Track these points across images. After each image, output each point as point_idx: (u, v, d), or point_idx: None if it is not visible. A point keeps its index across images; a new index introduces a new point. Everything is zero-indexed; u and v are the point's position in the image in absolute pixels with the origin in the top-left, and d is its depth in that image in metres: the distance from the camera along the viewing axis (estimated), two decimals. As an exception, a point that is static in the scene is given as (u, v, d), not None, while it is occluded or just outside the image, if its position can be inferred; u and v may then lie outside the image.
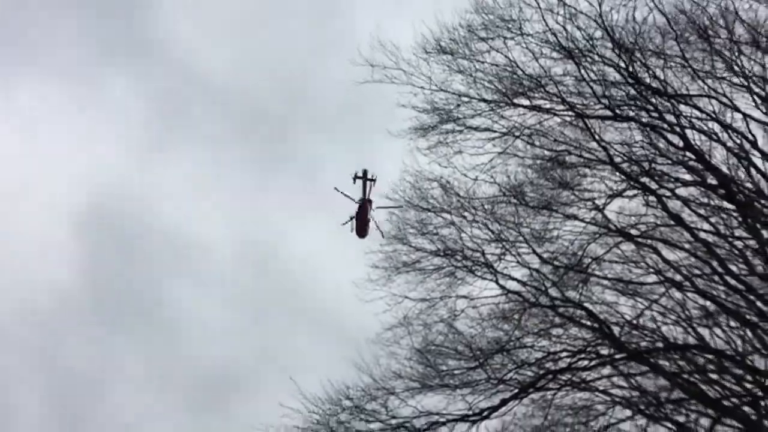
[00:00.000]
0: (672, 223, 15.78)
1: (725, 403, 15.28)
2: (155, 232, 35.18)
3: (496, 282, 18.07)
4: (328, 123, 31.66)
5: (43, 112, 35.43)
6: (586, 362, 16.34)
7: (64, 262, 35.44)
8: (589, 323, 16.82)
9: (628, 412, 17.36)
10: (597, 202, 16.75)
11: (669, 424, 16.34)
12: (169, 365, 34.30)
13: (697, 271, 15.91)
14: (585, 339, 16.95)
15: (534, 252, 17.50)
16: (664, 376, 15.88)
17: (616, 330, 16.43)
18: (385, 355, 17.77)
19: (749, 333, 15.44)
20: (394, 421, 16.26)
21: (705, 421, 15.76)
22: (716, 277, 15.69)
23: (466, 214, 18.09)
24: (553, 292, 17.26)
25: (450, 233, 18.59)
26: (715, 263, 15.49)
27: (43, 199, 34.71)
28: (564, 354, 16.85)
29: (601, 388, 16.97)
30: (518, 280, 17.82)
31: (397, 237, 18.99)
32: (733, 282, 15.45)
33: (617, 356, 16.27)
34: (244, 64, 35.69)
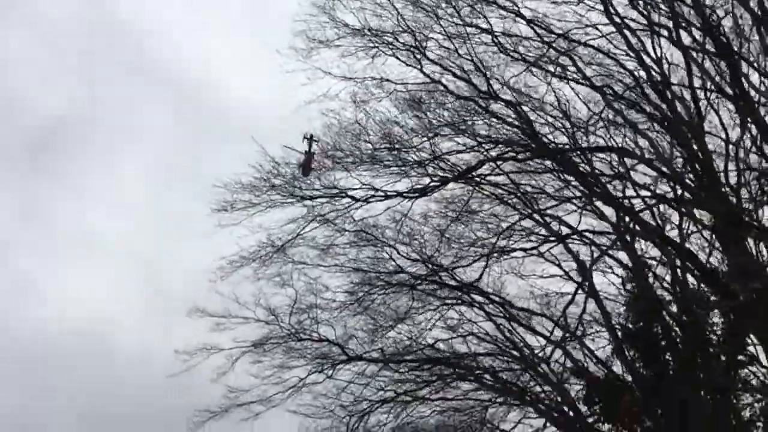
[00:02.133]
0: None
1: (625, 203, 16.94)
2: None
3: (421, 70, 17.89)
4: None
5: None
6: (508, 157, 17.02)
7: None
8: (513, 121, 17.35)
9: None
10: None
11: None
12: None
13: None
14: (506, 135, 17.54)
15: (468, 38, 17.30)
16: (577, 176, 17.08)
17: (538, 129, 17.17)
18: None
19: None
20: (334, 191, 16.23)
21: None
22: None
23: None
24: (479, 83, 17.48)
25: (381, 13, 17.83)
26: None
27: None
28: (486, 148, 17.41)
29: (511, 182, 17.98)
30: (444, 67, 17.74)
31: (325, 9, 17.96)
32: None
33: (535, 155, 17.10)
34: None
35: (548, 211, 18.09)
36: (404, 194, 16.37)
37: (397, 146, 17.15)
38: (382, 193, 16.48)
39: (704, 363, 19.07)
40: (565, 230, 19.06)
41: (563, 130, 17.27)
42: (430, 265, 20.15)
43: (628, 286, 20.88)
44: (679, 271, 18.60)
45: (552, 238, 19.24)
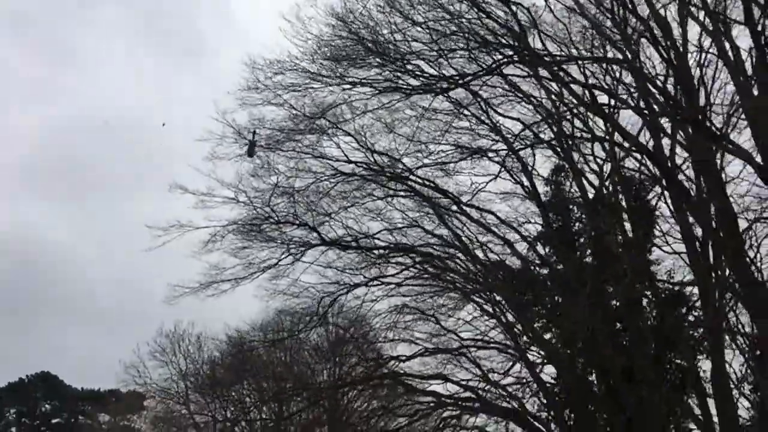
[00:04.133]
0: None
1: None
2: None
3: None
4: None
5: None
6: (508, 61, 17.67)
7: None
8: (508, 23, 17.86)
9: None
10: None
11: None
12: None
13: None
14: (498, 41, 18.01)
15: None
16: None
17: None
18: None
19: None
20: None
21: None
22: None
23: None
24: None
25: None
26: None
27: None
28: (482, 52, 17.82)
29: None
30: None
31: None
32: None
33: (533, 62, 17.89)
34: None
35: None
36: (431, 90, 16.42)
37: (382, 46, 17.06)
38: (407, 87, 16.40)
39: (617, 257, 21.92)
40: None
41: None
42: (377, 158, 20.70)
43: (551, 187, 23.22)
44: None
45: (498, 140, 20.59)
